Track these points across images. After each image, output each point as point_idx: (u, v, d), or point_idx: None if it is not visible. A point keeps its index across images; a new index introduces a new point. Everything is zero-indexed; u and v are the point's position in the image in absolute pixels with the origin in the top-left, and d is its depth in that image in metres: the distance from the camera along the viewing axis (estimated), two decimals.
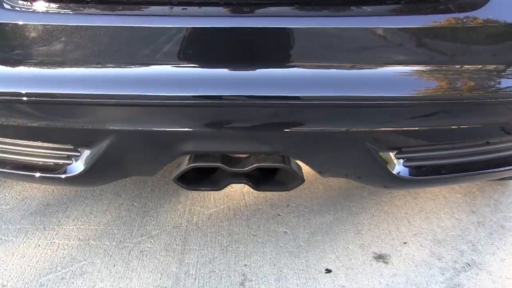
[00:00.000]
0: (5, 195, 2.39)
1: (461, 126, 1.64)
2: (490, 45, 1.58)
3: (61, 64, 1.54)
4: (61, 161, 1.70)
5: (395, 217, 2.27)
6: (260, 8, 1.52)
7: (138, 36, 1.51)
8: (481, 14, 1.51)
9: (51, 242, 2.09)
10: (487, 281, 1.93)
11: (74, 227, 2.18)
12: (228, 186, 1.80)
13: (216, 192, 2.40)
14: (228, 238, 2.13)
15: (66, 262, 1.99)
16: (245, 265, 1.99)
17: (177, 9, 1.51)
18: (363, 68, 1.53)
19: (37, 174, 1.71)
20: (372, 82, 1.53)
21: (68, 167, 1.69)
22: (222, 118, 1.58)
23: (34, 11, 1.53)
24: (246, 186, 1.79)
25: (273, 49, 1.52)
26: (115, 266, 1.97)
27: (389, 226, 2.21)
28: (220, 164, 1.68)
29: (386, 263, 2.01)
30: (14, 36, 1.54)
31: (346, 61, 1.53)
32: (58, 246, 2.07)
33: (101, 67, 1.53)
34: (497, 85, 1.58)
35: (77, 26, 1.50)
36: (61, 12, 1.52)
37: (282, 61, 1.53)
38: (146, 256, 2.02)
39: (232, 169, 1.69)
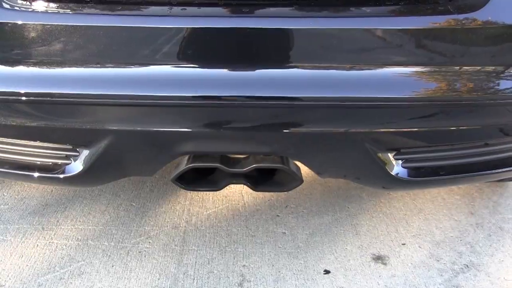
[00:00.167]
0: (4, 194, 2.38)
1: (460, 128, 1.64)
2: (489, 46, 1.58)
3: (60, 64, 1.53)
4: (59, 161, 1.69)
5: (393, 218, 2.27)
6: (259, 8, 1.52)
7: (137, 36, 1.51)
8: (480, 16, 1.51)
9: (49, 242, 2.09)
10: (486, 282, 1.93)
11: (72, 227, 2.18)
12: (227, 187, 1.80)
13: (215, 192, 2.40)
14: (226, 239, 2.12)
15: (65, 262, 1.98)
16: (244, 265, 1.99)
17: (177, 9, 1.51)
18: (362, 69, 1.53)
19: (36, 174, 1.71)
20: (371, 83, 1.53)
21: (67, 167, 1.68)
22: (221, 119, 1.58)
23: (33, 11, 1.53)
24: (245, 186, 1.79)
25: (272, 49, 1.52)
26: (114, 267, 1.97)
27: (388, 227, 2.21)
28: (219, 165, 1.68)
29: (385, 264, 2.01)
30: (13, 36, 1.54)
31: (345, 62, 1.53)
32: (56, 246, 2.06)
33: (100, 67, 1.53)
34: (496, 87, 1.58)
35: (76, 26, 1.50)
36: (60, 12, 1.52)
37: (281, 61, 1.53)
38: (145, 256, 2.02)
39: (231, 169, 1.69)
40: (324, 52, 1.53)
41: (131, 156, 1.72)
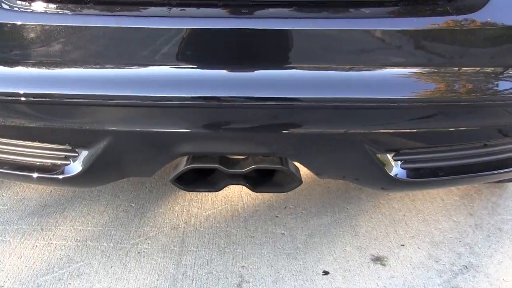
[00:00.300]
0: (3, 195, 2.38)
1: (459, 128, 1.64)
2: (488, 47, 1.58)
3: (59, 64, 1.53)
4: (58, 162, 1.69)
5: (393, 219, 2.27)
6: (258, 9, 1.52)
7: (136, 37, 1.51)
8: (479, 17, 1.52)
9: (48, 243, 2.08)
10: (485, 283, 1.93)
11: (71, 228, 2.18)
12: (226, 188, 1.80)
13: (214, 193, 2.40)
14: (225, 240, 2.12)
15: (64, 263, 1.98)
16: (243, 266, 1.99)
17: (176, 10, 1.51)
18: (361, 70, 1.53)
19: (35, 175, 1.71)
20: (370, 84, 1.53)
21: (66, 167, 1.68)
22: (220, 119, 1.58)
23: (32, 11, 1.53)
24: (244, 187, 1.79)
25: (271, 50, 1.52)
26: (113, 267, 1.97)
27: (387, 228, 2.21)
28: (218, 166, 1.68)
29: (384, 265, 2.01)
30: (12, 36, 1.54)
31: (344, 63, 1.53)
32: (55, 247, 2.06)
33: (100, 68, 1.53)
34: (495, 88, 1.58)
35: (75, 26, 1.50)
36: (60, 12, 1.52)
37: (280, 62, 1.53)
38: (144, 257, 2.02)
39: (230, 170, 1.69)
40: (323, 53, 1.53)
41: (130, 157, 1.72)
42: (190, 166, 1.67)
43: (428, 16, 1.52)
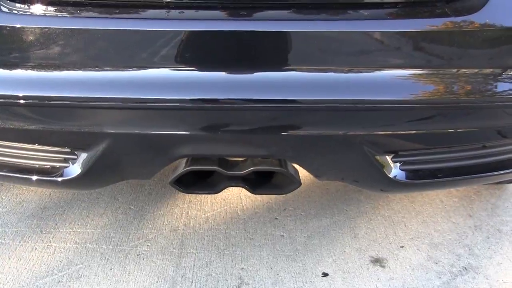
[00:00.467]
0: (2, 198, 2.38)
1: (458, 130, 1.64)
2: (487, 49, 1.58)
3: (59, 67, 1.53)
4: (58, 164, 1.69)
5: (392, 221, 2.27)
6: (257, 11, 1.52)
7: (135, 39, 1.51)
8: (478, 18, 1.52)
9: (47, 245, 2.08)
10: (484, 285, 1.93)
11: (71, 230, 2.18)
12: (225, 190, 1.80)
13: (213, 195, 2.39)
14: (225, 242, 2.12)
15: (63, 266, 1.98)
16: (242, 268, 1.99)
17: (174, 12, 1.51)
18: (360, 72, 1.53)
19: (34, 177, 1.71)
20: (369, 85, 1.53)
21: (65, 170, 1.68)
22: (219, 122, 1.58)
23: (31, 14, 1.53)
24: (243, 189, 1.79)
25: (270, 52, 1.52)
26: (112, 270, 1.97)
27: (386, 230, 2.21)
28: (217, 168, 1.68)
29: (383, 267, 2.01)
30: (11, 39, 1.54)
31: (343, 64, 1.53)
32: (54, 249, 2.06)
33: (98, 70, 1.53)
34: (494, 89, 1.58)
35: (75, 29, 1.50)
36: (59, 15, 1.52)
37: (279, 64, 1.53)
38: (143, 259, 2.02)
39: (229, 172, 1.69)
40: (322, 55, 1.53)
41: (129, 159, 1.72)
42: (189, 168, 1.67)
43: (427, 18, 1.52)
